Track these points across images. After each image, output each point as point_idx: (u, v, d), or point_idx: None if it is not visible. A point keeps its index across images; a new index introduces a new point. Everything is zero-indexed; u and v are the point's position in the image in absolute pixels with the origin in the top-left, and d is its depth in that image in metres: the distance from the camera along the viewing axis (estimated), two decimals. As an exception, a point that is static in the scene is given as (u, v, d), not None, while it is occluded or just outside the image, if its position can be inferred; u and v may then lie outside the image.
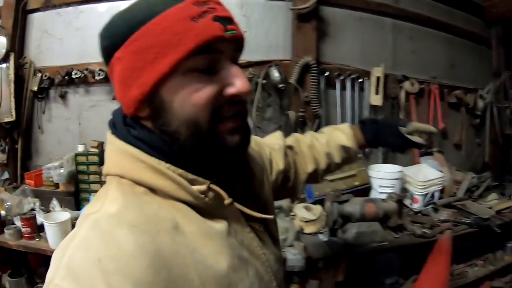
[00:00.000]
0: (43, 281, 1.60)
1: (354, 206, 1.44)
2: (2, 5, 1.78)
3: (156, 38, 0.43)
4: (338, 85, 1.88)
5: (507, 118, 2.28)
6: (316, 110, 1.80)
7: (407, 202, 1.81)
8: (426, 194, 1.74)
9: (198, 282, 0.44)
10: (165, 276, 0.41)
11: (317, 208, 1.55)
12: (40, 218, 1.53)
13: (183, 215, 0.47)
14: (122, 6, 1.61)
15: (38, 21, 1.85)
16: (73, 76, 1.77)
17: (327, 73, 1.84)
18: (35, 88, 1.78)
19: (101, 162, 1.74)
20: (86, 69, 1.78)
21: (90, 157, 1.74)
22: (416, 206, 1.75)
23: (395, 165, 1.83)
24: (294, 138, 0.89)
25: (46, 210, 1.66)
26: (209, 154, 0.48)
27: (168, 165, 0.47)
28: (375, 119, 0.94)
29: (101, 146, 1.77)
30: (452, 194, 1.98)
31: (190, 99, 0.45)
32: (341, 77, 1.88)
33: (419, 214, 1.75)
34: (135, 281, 0.38)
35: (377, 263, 1.74)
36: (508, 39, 2.33)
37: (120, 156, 0.49)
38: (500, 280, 2.02)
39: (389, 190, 1.64)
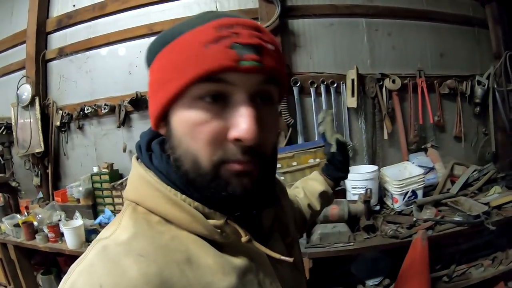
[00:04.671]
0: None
1: (318, 208, 1.53)
2: (25, 58, 2.21)
3: (173, 59, 0.42)
4: (312, 93, 1.96)
5: (514, 102, 2.11)
6: (288, 120, 1.91)
7: (388, 202, 1.81)
8: (406, 193, 1.73)
9: None
10: None
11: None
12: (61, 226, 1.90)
13: (198, 247, 0.45)
14: (119, 49, 1.94)
15: (56, 68, 2.25)
16: (85, 111, 2.13)
17: (298, 83, 1.93)
18: (58, 123, 2.18)
19: (111, 180, 2.06)
20: (95, 105, 2.13)
21: (103, 176, 2.08)
22: (397, 206, 1.74)
23: (371, 166, 1.85)
24: None
25: (72, 220, 2.03)
26: (207, 196, 0.44)
27: (184, 196, 0.45)
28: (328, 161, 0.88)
29: (110, 167, 2.10)
30: (445, 191, 1.92)
31: (190, 131, 0.42)
32: (315, 85, 1.96)
33: (401, 213, 1.74)
34: None
35: (360, 263, 1.77)
36: (505, 16, 2.16)
37: (139, 182, 0.48)
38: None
39: (362, 191, 1.67)
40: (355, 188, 1.71)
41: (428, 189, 1.90)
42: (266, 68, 0.41)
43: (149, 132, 0.52)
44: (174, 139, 0.45)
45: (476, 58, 2.20)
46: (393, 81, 1.99)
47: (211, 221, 0.45)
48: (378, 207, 1.77)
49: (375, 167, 1.79)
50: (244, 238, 0.46)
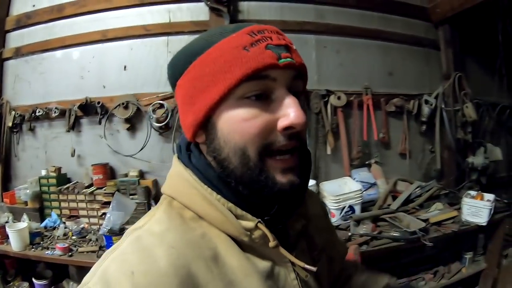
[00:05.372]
0: (13, 280, 1.92)
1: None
2: None
3: (209, 66, 0.45)
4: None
5: (460, 122, 2.16)
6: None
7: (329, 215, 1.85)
8: (343, 208, 1.76)
9: None
10: None
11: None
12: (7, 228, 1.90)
13: (226, 247, 0.47)
14: (73, 52, 1.92)
15: (12, 68, 2.26)
16: (37, 114, 2.14)
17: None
18: (10, 124, 2.19)
19: (58, 184, 2.07)
20: (46, 108, 2.14)
21: (50, 180, 2.08)
22: (334, 220, 1.77)
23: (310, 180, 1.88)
24: None
25: (18, 222, 2.03)
26: (257, 189, 0.46)
27: (219, 196, 0.47)
28: None
29: (58, 171, 2.11)
30: (385, 207, 1.95)
31: (239, 127, 0.45)
32: (261, 97, 1.98)
33: (338, 228, 1.76)
34: None
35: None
36: (457, 38, 2.22)
37: (177, 179, 0.51)
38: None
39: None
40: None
41: (369, 204, 1.95)
42: (297, 63, 0.47)
43: None
44: (220, 140, 0.46)
45: (426, 78, 2.25)
46: (339, 98, 2.03)
47: (242, 223, 0.47)
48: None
49: (312, 182, 1.82)
50: (271, 243, 0.47)
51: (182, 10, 2.06)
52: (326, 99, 2.02)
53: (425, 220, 1.78)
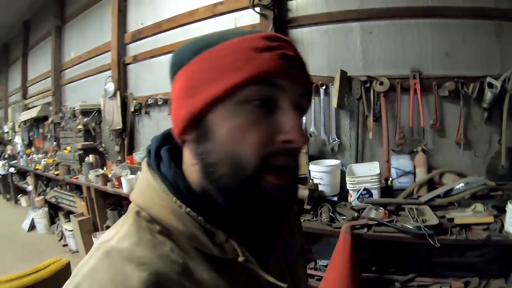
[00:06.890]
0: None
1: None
2: (111, 62, 3.21)
3: (217, 61, 0.43)
4: (302, 93, 2.23)
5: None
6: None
7: (349, 196, 1.94)
8: (358, 190, 1.82)
9: None
10: None
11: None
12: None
13: (196, 262, 0.45)
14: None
15: (132, 70, 3.20)
16: (149, 102, 2.99)
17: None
18: (133, 109, 3.12)
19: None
20: (154, 98, 2.97)
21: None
22: (352, 200, 1.87)
23: (334, 160, 2.02)
24: None
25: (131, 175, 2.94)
26: (240, 202, 0.43)
27: (188, 209, 0.44)
28: None
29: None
30: (415, 197, 1.87)
31: (237, 133, 0.42)
32: (304, 86, 2.21)
33: (352, 208, 1.82)
34: None
35: (321, 245, 2.02)
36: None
37: (147, 188, 0.48)
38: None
39: (317, 181, 1.91)
40: (315, 178, 1.94)
41: (400, 192, 1.91)
42: (308, 80, 0.46)
43: (160, 137, 0.53)
44: (212, 143, 0.44)
45: (496, 57, 1.95)
46: (381, 83, 2.04)
47: (213, 237, 0.45)
48: (335, 198, 1.93)
49: (335, 162, 1.97)
50: (240, 258, 0.45)
51: (245, 16, 2.47)
52: (368, 84, 2.07)
53: (450, 220, 1.59)
